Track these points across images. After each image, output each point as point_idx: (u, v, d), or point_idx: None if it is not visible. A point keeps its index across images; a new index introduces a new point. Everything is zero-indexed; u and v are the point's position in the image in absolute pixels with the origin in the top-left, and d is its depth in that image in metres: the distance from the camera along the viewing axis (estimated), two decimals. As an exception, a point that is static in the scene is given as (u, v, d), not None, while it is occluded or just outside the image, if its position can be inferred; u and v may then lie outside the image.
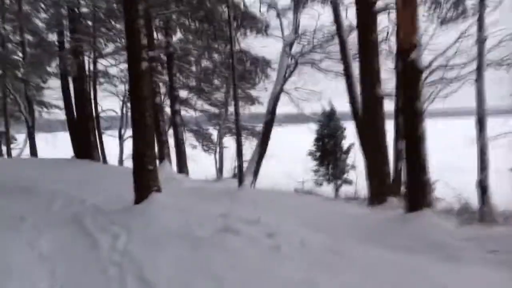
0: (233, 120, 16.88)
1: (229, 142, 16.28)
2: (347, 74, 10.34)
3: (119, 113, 19.19)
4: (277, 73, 14.36)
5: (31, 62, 16.55)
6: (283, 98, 14.63)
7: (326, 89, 13.82)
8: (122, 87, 19.91)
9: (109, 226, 5.07)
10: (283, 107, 15.03)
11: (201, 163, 16.28)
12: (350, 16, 11.73)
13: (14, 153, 20.63)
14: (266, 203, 6.28)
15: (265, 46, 14.44)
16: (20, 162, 15.36)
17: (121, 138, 18.43)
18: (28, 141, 20.63)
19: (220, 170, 15.26)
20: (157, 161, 6.53)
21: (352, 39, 11.22)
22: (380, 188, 7.89)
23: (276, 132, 14.74)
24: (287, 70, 13.92)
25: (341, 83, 12.83)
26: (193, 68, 16.41)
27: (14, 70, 17.39)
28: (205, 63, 16.47)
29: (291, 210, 5.89)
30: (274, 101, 14.19)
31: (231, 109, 16.64)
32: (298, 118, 14.70)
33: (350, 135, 11.28)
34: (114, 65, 16.41)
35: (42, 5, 16.75)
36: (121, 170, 12.59)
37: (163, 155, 10.67)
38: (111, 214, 5.62)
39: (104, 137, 18.03)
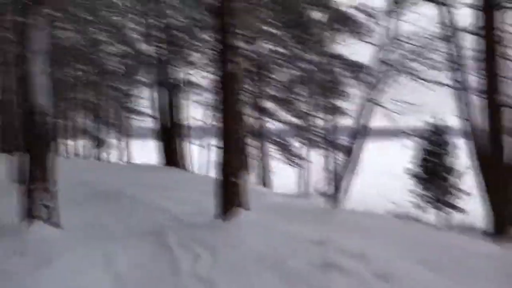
0: (319, 132, 16.03)
1: (314, 155, 15.43)
2: (457, 82, 8.96)
3: (205, 122, 19.40)
4: (367, 83, 13.22)
5: (126, 72, 17.50)
6: (374, 110, 13.42)
7: (425, 101, 12.33)
8: (209, 97, 20.20)
9: (191, 243, 4.57)
10: (375, 120, 13.79)
11: (283, 176, 15.63)
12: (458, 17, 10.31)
13: (109, 158, 22.01)
14: (366, 230, 5.34)
15: (353, 53, 13.39)
16: (113, 166, 16.13)
17: (206, 147, 18.55)
18: (122, 147, 21.88)
19: (304, 185, 14.46)
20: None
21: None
22: (504, 218, 6.47)
23: (366, 147, 13.52)
24: (380, 79, 12.72)
25: (445, 94, 11.36)
26: (278, 77, 15.91)
27: (111, 80, 18.57)
28: (290, 72, 15.89)
29: (398, 240, 4.89)
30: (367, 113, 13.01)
31: (317, 120, 15.82)
32: (391, 133, 13.38)
33: (460, 153, 9.73)
34: (202, 77, 16.55)
35: (137, 18, 17.63)
36: (205, 179, 12.40)
37: (247, 167, 10.20)
38: (193, 229, 5.16)
39: (190, 146, 18.33)
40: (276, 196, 9.90)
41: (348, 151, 13.05)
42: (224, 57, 5.23)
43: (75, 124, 24.09)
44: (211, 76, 17.32)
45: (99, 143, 21.95)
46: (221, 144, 5.44)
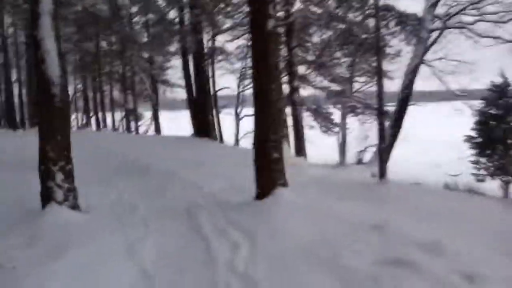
0: (357, 97, 15.00)
1: (353, 123, 14.47)
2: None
3: (236, 91, 18.74)
4: (416, 41, 11.97)
5: (153, 41, 16.95)
6: (422, 71, 12.25)
7: (482, 59, 11.02)
8: (239, 65, 19.46)
9: (227, 228, 4.00)
10: (422, 82, 12.63)
11: (319, 145, 14.84)
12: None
13: (140, 129, 21.90)
14: (428, 209, 4.60)
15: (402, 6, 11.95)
16: (144, 139, 15.90)
17: (237, 117, 17.97)
18: (153, 119, 21.67)
19: (342, 154, 13.62)
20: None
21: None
22: None
23: (412, 112, 12.46)
24: (429, 36, 11.46)
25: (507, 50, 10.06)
26: (314, 40, 14.79)
27: (140, 51, 18.13)
28: (327, 34, 14.70)
29: (471, 223, 4.13)
30: (412, 74, 11.90)
31: (355, 85, 14.75)
32: (441, 96, 12.18)
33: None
34: (231, 40, 15.69)
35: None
36: (238, 151, 11.92)
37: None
38: (229, 210, 4.58)
39: (221, 116, 17.81)
40: (315, 168, 9.23)
41: (391, 117, 12.05)
42: (263, 13, 4.43)
43: (108, 96, 24.04)
44: (241, 42, 16.53)
45: (132, 115, 21.80)
46: (257, 112, 4.75)
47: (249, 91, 19.92)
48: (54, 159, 4.00)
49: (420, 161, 10.73)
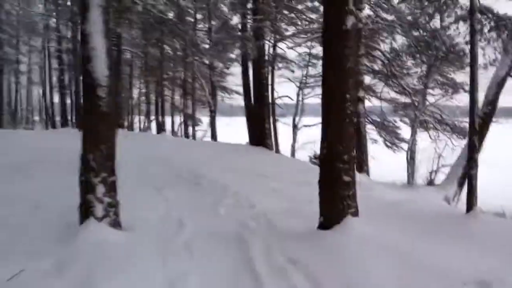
0: (430, 111, 13.68)
1: (424, 139, 13.15)
2: None
3: (295, 100, 18.06)
4: (503, 49, 10.53)
5: (215, 47, 16.79)
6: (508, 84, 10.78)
7: None
8: (299, 73, 18.84)
9: (285, 266, 3.32)
10: (507, 97, 11.14)
11: (382, 161, 13.68)
12: None
13: (198, 135, 21.89)
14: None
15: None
16: (200, 145, 15.65)
17: (295, 127, 17.26)
18: (210, 125, 21.58)
19: (410, 173, 12.38)
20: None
21: None
22: None
23: (493, 129, 11.01)
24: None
25: None
26: (384, 47, 13.72)
27: (201, 57, 18.10)
28: (399, 42, 13.59)
29: None
30: (497, 88, 10.46)
31: (429, 97, 13.45)
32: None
33: None
34: (294, 47, 15.04)
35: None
36: (295, 164, 11.18)
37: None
38: (287, 241, 3.90)
39: (278, 125, 17.23)
40: (383, 188, 8.25)
41: (469, 135, 10.67)
42: (341, 9, 3.73)
43: (169, 101, 24.42)
44: (303, 50, 15.89)
45: (190, 120, 21.86)
46: (326, 125, 4.02)
47: (308, 101, 19.21)
48: (96, 170, 3.55)
49: (500, 184, 9.34)
